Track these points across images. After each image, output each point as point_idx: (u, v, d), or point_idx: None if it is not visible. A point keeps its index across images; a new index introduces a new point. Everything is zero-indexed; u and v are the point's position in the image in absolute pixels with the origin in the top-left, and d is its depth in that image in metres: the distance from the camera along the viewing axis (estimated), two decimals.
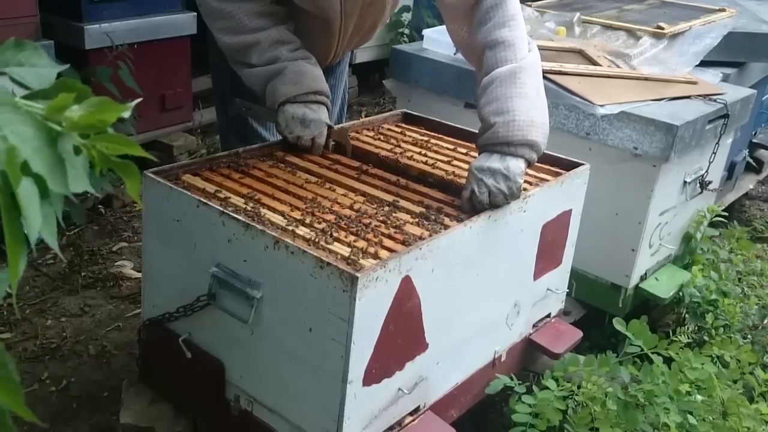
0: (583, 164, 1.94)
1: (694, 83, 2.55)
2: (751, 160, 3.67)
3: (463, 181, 1.77)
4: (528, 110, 1.66)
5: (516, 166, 1.65)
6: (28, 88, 0.73)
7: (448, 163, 1.94)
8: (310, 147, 1.87)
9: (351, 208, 1.65)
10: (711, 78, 2.67)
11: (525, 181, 1.86)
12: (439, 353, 1.61)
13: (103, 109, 0.68)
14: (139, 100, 0.78)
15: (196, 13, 3.54)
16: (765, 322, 2.66)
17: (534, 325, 1.99)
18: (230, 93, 2.03)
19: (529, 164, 1.70)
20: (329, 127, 1.89)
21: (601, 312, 2.47)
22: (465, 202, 1.67)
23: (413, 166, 1.89)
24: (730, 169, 3.33)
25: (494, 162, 1.65)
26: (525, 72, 1.70)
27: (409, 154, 1.98)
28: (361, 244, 1.49)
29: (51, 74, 0.74)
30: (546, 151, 1.99)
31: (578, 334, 2.06)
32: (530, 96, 1.68)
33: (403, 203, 1.70)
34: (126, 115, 0.70)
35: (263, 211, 1.59)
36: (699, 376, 1.76)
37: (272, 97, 1.83)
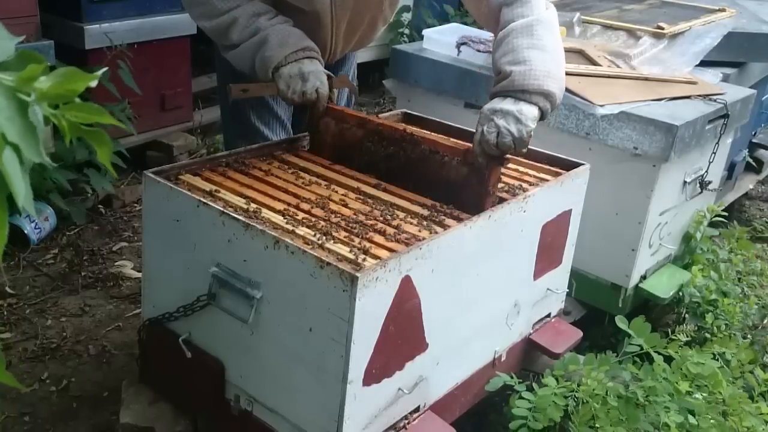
0: (583, 164, 1.94)
1: (694, 83, 2.54)
2: (751, 160, 3.67)
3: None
4: (545, 62, 1.64)
5: (529, 110, 1.62)
6: None
7: None
8: (317, 100, 1.84)
9: (351, 208, 1.65)
10: (711, 78, 2.67)
11: (525, 181, 1.87)
12: (439, 353, 1.61)
13: (71, 79, 0.69)
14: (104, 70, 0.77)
15: None
16: (765, 322, 2.66)
17: (534, 325, 1.99)
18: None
19: (543, 115, 1.66)
20: (329, 78, 1.87)
21: (601, 312, 2.47)
22: (475, 145, 1.64)
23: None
24: (730, 169, 3.33)
25: (507, 104, 1.62)
26: (542, 25, 1.67)
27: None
28: (361, 244, 1.49)
29: (9, 46, 0.74)
30: (546, 151, 2.00)
31: (578, 334, 2.06)
32: (547, 49, 1.66)
33: (402, 203, 1.70)
34: (93, 84, 0.70)
35: (263, 211, 1.59)
36: (702, 372, 1.76)
37: (263, 67, 1.81)
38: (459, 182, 1.71)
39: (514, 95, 1.64)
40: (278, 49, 1.79)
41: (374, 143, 1.83)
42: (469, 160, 1.68)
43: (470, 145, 1.69)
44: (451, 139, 1.80)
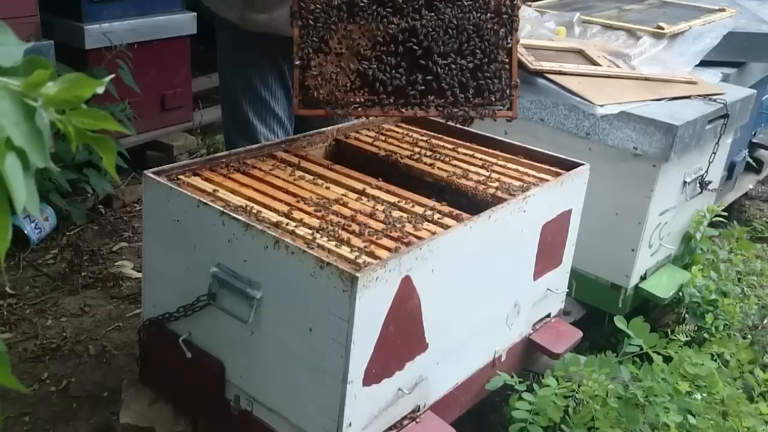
0: (583, 164, 1.94)
1: (694, 83, 2.55)
2: (751, 160, 3.67)
3: (464, 181, 1.77)
4: None
5: None
6: None
7: (448, 162, 1.94)
8: None
9: (351, 208, 1.65)
10: (711, 78, 2.67)
11: (525, 181, 1.87)
12: (439, 353, 1.61)
13: (78, 85, 0.69)
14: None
15: (196, 13, 3.55)
16: (765, 322, 2.66)
17: (534, 325, 1.99)
18: (236, 86, 2.03)
19: None
20: None
21: (601, 312, 2.47)
22: None
23: (413, 167, 1.88)
24: (730, 169, 3.33)
25: None
26: None
27: (409, 154, 1.98)
28: (362, 244, 1.49)
29: (18, 52, 0.75)
30: (546, 151, 2.00)
31: (578, 334, 2.06)
32: None
33: (403, 203, 1.70)
34: (100, 90, 0.71)
35: (263, 211, 1.59)
36: (700, 372, 1.76)
37: None
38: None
39: None
40: None
41: None
42: None
43: None
44: None
